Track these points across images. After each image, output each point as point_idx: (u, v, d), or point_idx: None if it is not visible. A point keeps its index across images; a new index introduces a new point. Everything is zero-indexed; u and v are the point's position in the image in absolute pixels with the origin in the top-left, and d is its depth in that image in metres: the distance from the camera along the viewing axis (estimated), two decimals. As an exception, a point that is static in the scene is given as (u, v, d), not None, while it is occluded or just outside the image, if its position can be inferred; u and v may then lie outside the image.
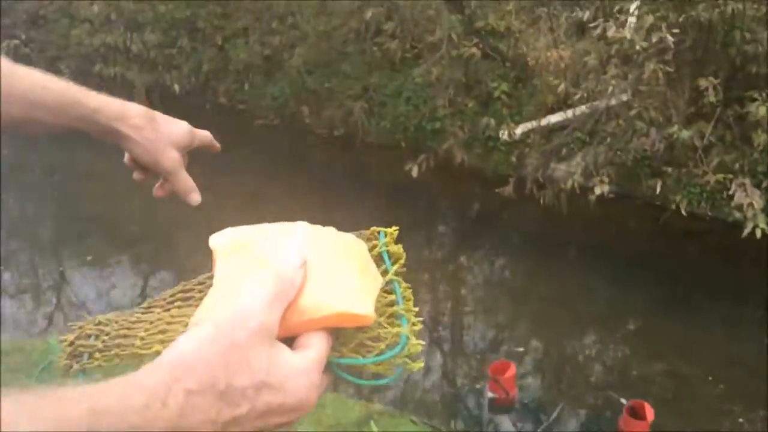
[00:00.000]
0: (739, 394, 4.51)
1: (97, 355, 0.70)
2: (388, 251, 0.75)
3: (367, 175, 7.65)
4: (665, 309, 5.26)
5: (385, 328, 0.66)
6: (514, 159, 6.93)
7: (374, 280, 0.70)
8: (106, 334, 0.71)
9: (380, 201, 7.19)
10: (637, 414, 4.01)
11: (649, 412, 3.98)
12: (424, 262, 6.31)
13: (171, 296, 0.76)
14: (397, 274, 0.73)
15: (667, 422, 4.04)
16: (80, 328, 0.73)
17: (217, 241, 0.70)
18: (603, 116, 6.11)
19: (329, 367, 0.62)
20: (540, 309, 5.49)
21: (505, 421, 4.18)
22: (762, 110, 4.71)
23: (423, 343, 0.66)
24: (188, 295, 0.75)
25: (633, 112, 5.74)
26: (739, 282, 5.59)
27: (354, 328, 0.65)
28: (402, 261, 0.74)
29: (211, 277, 0.71)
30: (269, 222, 0.73)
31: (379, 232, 0.77)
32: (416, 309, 0.69)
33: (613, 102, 6.13)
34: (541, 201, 6.04)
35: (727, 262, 5.84)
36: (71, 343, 0.72)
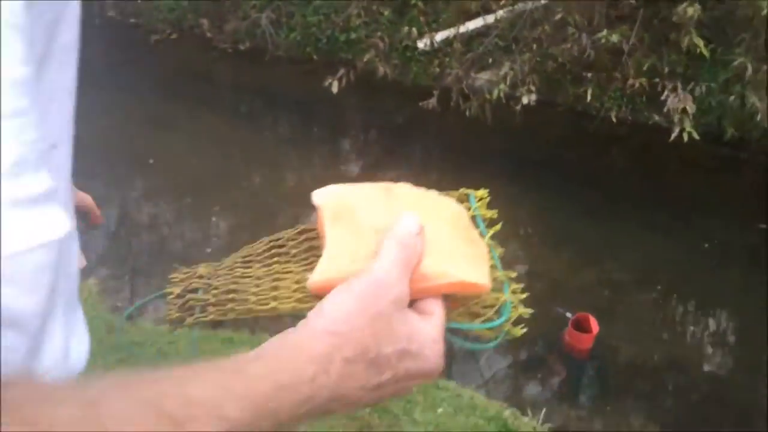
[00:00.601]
0: (673, 296, 4.60)
1: (211, 309, 0.71)
2: (482, 215, 0.74)
3: (281, 92, 7.23)
4: (593, 216, 5.27)
5: (491, 294, 0.66)
6: (435, 70, 6.67)
7: (482, 247, 0.69)
8: (215, 288, 0.72)
9: (298, 119, 6.84)
10: (582, 327, 4.02)
11: (594, 325, 3.98)
12: (349, 179, 6.07)
13: (265, 250, 0.75)
14: (491, 238, 0.72)
15: (611, 332, 4.06)
16: (182, 280, 0.75)
17: (322, 198, 0.69)
18: (525, 22, 5.91)
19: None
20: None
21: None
22: (690, 11, 4.62)
23: (530, 310, 0.66)
24: (283, 250, 0.74)
25: (557, 17, 5.56)
26: (663, 186, 5.65)
27: (464, 294, 0.65)
28: (497, 227, 0.73)
29: (307, 231, 0.74)
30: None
31: (468, 195, 0.75)
32: (515, 274, 0.70)
33: (530, 5, 5.94)
34: (467, 113, 5.86)
35: (650, 167, 5.89)
36: (179, 296, 0.73)
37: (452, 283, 0.62)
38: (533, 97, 5.43)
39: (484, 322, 0.65)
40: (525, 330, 0.67)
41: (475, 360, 3.79)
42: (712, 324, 4.43)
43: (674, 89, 4.64)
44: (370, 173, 6.23)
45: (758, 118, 5.60)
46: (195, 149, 6.11)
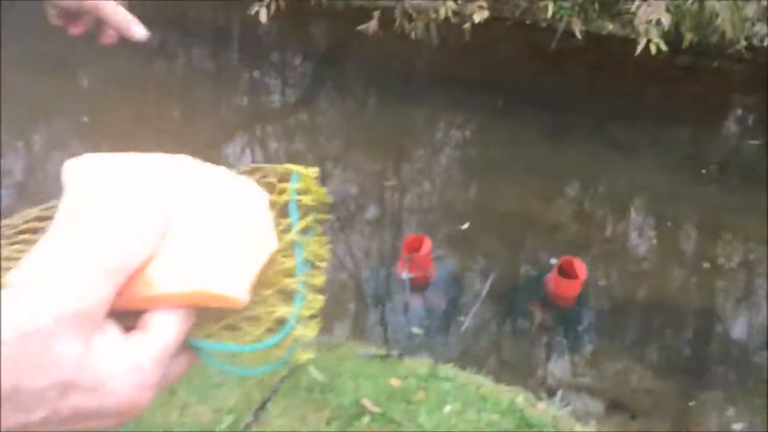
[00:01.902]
0: (653, 222, 4.34)
1: None
2: (299, 200, 0.58)
3: (201, 21, 6.49)
4: (555, 140, 4.91)
5: (272, 306, 0.53)
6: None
7: (262, 247, 0.54)
8: None
9: (222, 50, 6.14)
10: (566, 272, 3.70)
11: (581, 269, 3.67)
12: (284, 115, 5.52)
13: (25, 223, 0.59)
14: (307, 228, 0.58)
15: (594, 271, 3.77)
16: None
17: (70, 171, 0.57)
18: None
19: (190, 347, 0.51)
20: (428, 158, 4.95)
21: (426, 302, 3.73)
22: None
23: (317, 326, 0.53)
24: (43, 225, 0.57)
25: None
26: (624, 101, 5.33)
27: (218, 306, 0.51)
28: (310, 218, 0.58)
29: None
30: None
31: (291, 173, 0.60)
32: (320, 279, 0.55)
33: None
34: (413, 35, 5.33)
35: (609, 81, 5.55)
36: None
37: (186, 293, 0.50)
38: (485, 14, 4.92)
39: (253, 341, 0.51)
40: (312, 357, 0.52)
41: (456, 327, 3.43)
42: (697, 247, 4.20)
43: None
44: (300, 107, 5.67)
45: (718, 21, 5.29)
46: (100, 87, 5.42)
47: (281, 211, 0.59)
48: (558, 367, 3.26)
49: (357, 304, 3.73)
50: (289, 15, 5.42)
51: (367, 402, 2.36)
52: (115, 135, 5.04)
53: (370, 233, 4.30)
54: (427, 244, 3.77)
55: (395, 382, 2.46)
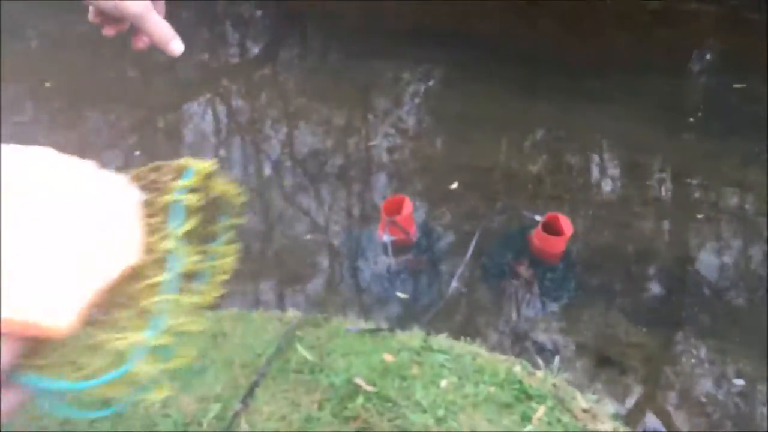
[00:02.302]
0: (636, 174, 4.25)
1: None
2: (185, 200, 0.50)
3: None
4: (528, 94, 4.77)
5: (122, 332, 0.45)
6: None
7: (112, 261, 0.46)
8: None
9: (182, 6, 5.82)
10: (551, 229, 3.61)
11: (567, 225, 3.58)
12: (247, 71, 5.29)
13: None
14: (209, 234, 0.51)
15: (577, 226, 3.68)
16: None
17: None
18: None
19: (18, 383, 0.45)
20: (399, 114, 4.78)
21: (410, 265, 3.61)
22: None
23: (187, 357, 0.47)
24: None
25: None
26: (596, 50, 5.19)
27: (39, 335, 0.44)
28: (190, 224, 0.50)
29: None
30: None
31: (185, 170, 0.52)
32: (214, 294, 0.49)
33: None
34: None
35: (579, 29, 5.39)
36: None
37: None
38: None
39: (86, 377, 0.44)
40: (165, 394, 0.45)
41: (443, 291, 3.32)
42: (678, 196, 4.13)
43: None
44: (263, 63, 5.43)
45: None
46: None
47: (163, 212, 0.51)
48: (550, 328, 3.19)
49: (337, 271, 3.60)
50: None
51: (360, 381, 2.24)
52: (73, 99, 4.78)
53: (346, 194, 4.15)
54: (408, 205, 3.64)
55: (388, 358, 2.35)
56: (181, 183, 0.52)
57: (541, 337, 2.98)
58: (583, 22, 5.44)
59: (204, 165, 0.54)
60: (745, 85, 4.77)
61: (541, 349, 2.85)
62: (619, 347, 3.24)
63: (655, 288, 3.61)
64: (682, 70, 5.16)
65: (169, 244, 0.49)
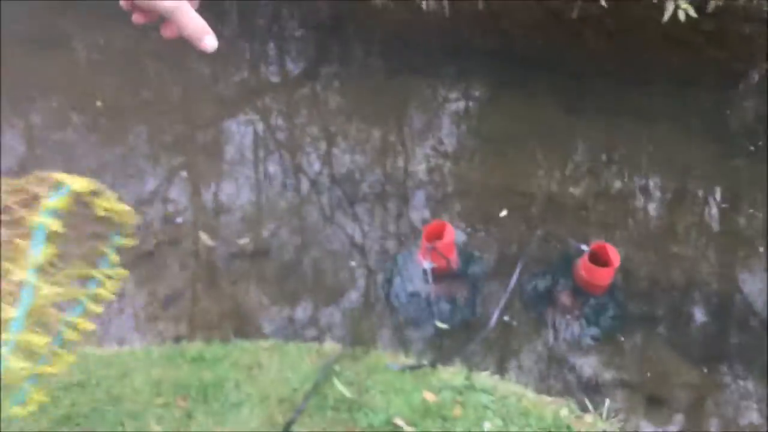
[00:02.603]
0: (686, 201, 4.10)
1: None
2: (49, 225, 0.46)
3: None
4: (574, 112, 4.65)
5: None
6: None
7: None
8: None
9: (222, 23, 5.82)
10: (598, 259, 3.48)
11: (614, 256, 3.45)
12: (287, 89, 5.25)
13: None
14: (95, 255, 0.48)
15: (625, 256, 3.55)
16: None
17: None
18: None
19: None
20: (441, 135, 4.69)
21: (451, 294, 3.51)
22: None
23: (42, 401, 0.45)
24: None
25: None
26: (647, 70, 5.05)
27: None
28: (47, 252, 0.47)
29: None
30: None
31: (58, 186, 0.48)
32: (85, 326, 0.47)
33: None
34: (423, 6, 5.04)
35: (629, 49, 5.26)
36: None
37: None
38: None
39: None
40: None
41: (484, 322, 3.21)
42: (730, 226, 3.97)
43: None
44: (303, 81, 5.40)
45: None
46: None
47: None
48: (597, 363, 3.07)
49: (376, 299, 3.52)
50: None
51: (399, 421, 2.16)
52: (115, 113, 4.80)
53: (384, 216, 4.07)
54: (450, 231, 3.55)
55: (429, 397, 2.26)
56: (50, 203, 0.47)
57: (587, 372, 2.86)
58: (631, 39, 5.30)
59: (83, 183, 0.50)
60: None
61: (587, 387, 2.73)
62: (668, 387, 3.10)
63: (704, 321, 3.46)
64: (733, 93, 5.00)
65: (23, 274, 0.44)
